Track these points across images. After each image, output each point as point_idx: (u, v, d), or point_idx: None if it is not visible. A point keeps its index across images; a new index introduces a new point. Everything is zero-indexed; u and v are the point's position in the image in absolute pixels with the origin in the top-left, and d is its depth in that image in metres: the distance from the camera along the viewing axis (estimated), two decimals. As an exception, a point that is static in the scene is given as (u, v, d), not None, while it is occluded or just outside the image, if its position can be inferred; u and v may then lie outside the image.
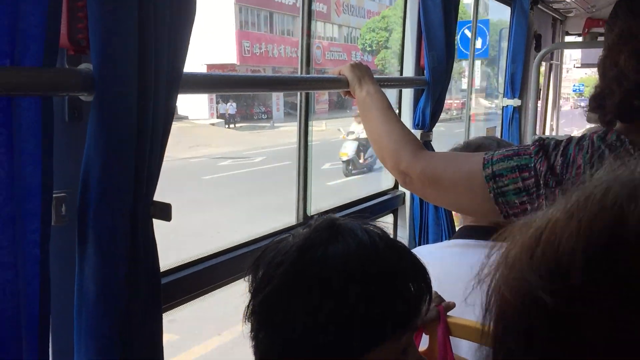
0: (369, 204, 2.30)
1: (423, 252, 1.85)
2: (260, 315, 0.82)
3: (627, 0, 1.12)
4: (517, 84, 3.77)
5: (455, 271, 1.71)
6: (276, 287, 0.80)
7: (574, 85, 26.02)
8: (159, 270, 1.04)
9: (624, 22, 1.09)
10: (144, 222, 0.99)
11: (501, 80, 3.86)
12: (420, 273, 0.85)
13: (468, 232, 1.76)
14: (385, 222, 2.48)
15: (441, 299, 1.60)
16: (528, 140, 3.55)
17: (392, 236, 0.93)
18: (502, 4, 3.75)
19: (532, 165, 1.11)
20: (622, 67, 1.05)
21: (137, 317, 0.97)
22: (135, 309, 0.97)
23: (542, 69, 5.02)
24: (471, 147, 1.78)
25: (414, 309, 0.83)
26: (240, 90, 1.53)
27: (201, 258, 1.40)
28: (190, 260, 1.40)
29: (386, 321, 0.79)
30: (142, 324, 0.98)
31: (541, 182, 1.09)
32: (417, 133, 2.36)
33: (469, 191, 1.21)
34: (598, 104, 1.09)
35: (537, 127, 5.15)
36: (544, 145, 1.13)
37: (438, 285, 1.71)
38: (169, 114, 1.01)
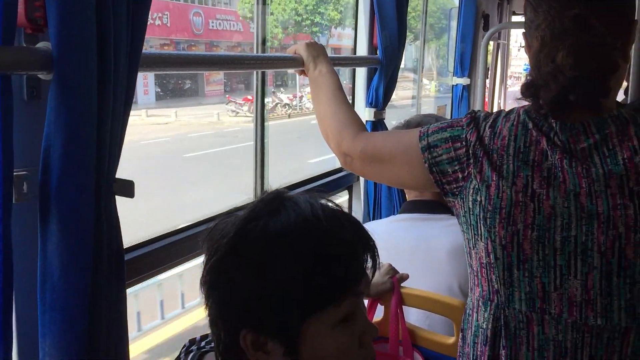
0: (324, 181, 2.35)
1: (372, 227, 1.93)
2: (208, 284, 0.85)
3: None
4: (467, 62, 3.87)
5: (402, 243, 1.79)
6: (220, 257, 0.83)
7: (525, 64, 26.55)
8: (122, 246, 1.06)
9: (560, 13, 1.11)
10: (107, 199, 1.01)
11: (451, 60, 3.94)
12: (363, 241, 0.87)
13: (413, 206, 1.84)
14: (342, 199, 2.54)
15: (395, 271, 1.67)
16: (477, 117, 3.65)
17: (345, 210, 0.95)
18: (451, -16, 3.83)
19: (464, 136, 1.18)
20: (559, 63, 1.08)
21: (102, 292, 0.99)
22: (99, 284, 0.99)
23: (490, 48, 5.15)
24: (411, 124, 1.83)
25: (353, 276, 0.85)
26: (197, 68, 1.53)
27: (162, 235, 1.42)
28: (152, 237, 1.42)
29: (324, 288, 0.82)
30: (106, 298, 1.01)
31: (470, 152, 1.16)
32: (371, 112, 2.42)
33: (407, 164, 1.26)
34: (532, 93, 1.13)
35: (487, 106, 5.29)
36: (475, 118, 1.19)
37: (387, 256, 1.78)
38: (129, 91, 1.02)
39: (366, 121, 2.45)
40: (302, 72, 1.69)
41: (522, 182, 1.11)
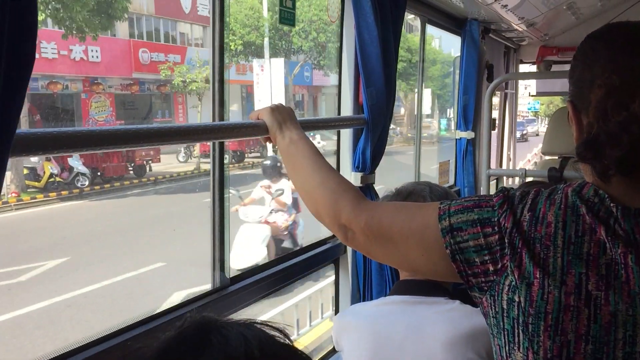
0: (306, 255, 2.08)
1: (357, 309, 1.67)
2: None
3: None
4: (470, 115, 3.64)
5: (390, 331, 1.54)
6: None
7: (528, 103, 26.52)
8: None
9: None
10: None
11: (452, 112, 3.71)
12: None
13: (404, 287, 1.59)
14: (326, 275, 2.27)
15: None
16: (483, 174, 3.40)
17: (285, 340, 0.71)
18: (453, 35, 3.64)
19: (496, 219, 0.97)
20: (635, 111, 0.89)
21: None
22: None
23: (497, 98, 4.93)
24: (402, 194, 1.61)
25: None
26: (135, 145, 1.29)
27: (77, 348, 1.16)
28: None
29: None
30: None
31: (506, 240, 0.95)
32: (358, 176, 2.17)
33: (422, 247, 1.05)
34: (594, 153, 0.93)
35: (494, 159, 5.05)
36: (509, 197, 0.99)
37: (373, 347, 1.53)
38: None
39: (353, 187, 2.21)
40: (268, 140, 1.46)
41: (574, 282, 0.89)
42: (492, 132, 4.11)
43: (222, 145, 1.61)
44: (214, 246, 1.61)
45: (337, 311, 2.29)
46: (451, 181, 3.84)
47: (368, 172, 2.19)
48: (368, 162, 2.16)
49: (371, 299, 2.22)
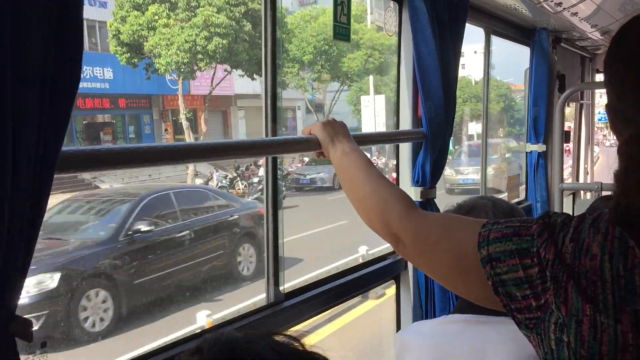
0: (365, 271, 2.06)
1: (417, 329, 1.63)
2: None
3: None
4: (541, 128, 3.51)
5: (452, 352, 1.48)
6: None
7: (598, 113, 24.96)
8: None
9: None
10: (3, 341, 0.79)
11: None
12: None
13: (467, 305, 1.52)
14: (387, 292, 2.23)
15: None
16: (555, 188, 3.26)
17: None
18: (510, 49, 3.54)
19: (535, 249, 0.87)
20: None
21: None
22: None
23: (572, 109, 4.73)
24: (464, 209, 1.55)
25: None
26: (184, 161, 1.33)
27: None
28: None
29: None
30: None
31: (547, 273, 0.85)
32: (418, 191, 2.13)
33: (463, 273, 0.98)
34: None
35: (572, 173, 4.83)
36: (550, 225, 0.88)
37: None
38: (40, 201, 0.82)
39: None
40: (321, 155, 1.47)
41: (631, 319, 0.78)
42: (567, 144, 3.95)
43: (275, 160, 1.63)
44: (267, 261, 1.62)
45: (398, 328, 2.25)
46: (522, 196, 3.70)
47: (428, 187, 2.14)
48: (428, 177, 2.12)
49: (434, 316, 2.16)
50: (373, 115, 20.21)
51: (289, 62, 23.00)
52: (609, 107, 0.96)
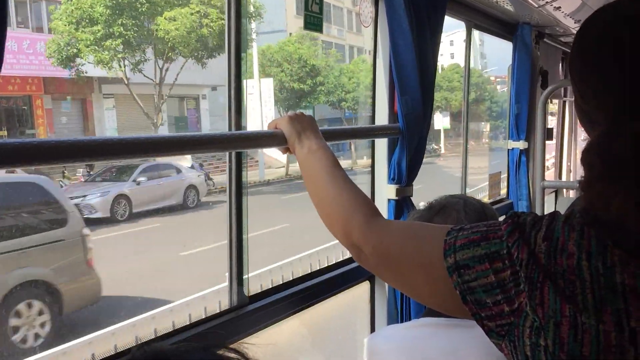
0: (337, 272, 1.98)
1: (389, 333, 1.57)
2: None
3: None
4: (523, 124, 3.46)
5: (424, 357, 1.43)
6: None
7: None
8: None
9: None
10: None
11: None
12: None
13: None
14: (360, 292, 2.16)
15: None
16: (537, 186, 3.21)
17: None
18: (503, 40, 3.48)
19: (506, 252, 0.82)
20: None
21: None
22: None
23: (555, 106, 4.69)
24: (434, 208, 1.49)
25: None
26: (146, 154, 1.24)
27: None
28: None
29: None
30: None
31: (521, 274, 0.80)
32: (393, 189, 2.06)
33: (430, 284, 0.92)
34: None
35: (553, 171, 4.79)
36: (520, 224, 0.83)
37: None
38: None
39: (389, 200, 2.10)
40: (287, 150, 1.39)
41: (613, 318, 0.74)
42: (549, 141, 3.90)
43: (239, 155, 1.54)
44: (230, 260, 1.53)
45: (372, 331, 2.18)
46: (503, 194, 3.65)
47: (404, 184, 2.07)
48: (404, 174, 2.05)
49: (410, 318, 2.10)
50: (260, 105, 15.71)
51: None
52: (576, 106, 0.92)
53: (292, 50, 21.01)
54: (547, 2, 2.84)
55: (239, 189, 1.53)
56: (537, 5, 2.93)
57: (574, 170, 5.14)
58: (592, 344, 0.74)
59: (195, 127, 22.74)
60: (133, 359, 0.62)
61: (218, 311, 1.52)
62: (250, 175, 18.16)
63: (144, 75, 17.19)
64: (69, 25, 15.80)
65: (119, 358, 1.21)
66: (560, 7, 2.93)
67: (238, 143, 1.44)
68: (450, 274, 0.86)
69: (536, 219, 0.83)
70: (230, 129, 1.53)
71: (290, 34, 24.20)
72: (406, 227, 1.11)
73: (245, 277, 1.55)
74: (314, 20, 1.75)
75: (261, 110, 15.57)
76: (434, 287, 0.91)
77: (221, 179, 15.55)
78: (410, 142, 2.01)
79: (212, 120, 23.00)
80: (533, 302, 0.78)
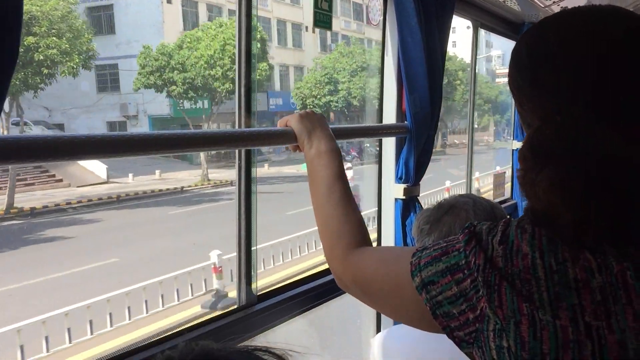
0: (320, 281, 1.96)
1: (398, 333, 1.56)
2: None
3: None
4: (528, 125, 3.44)
5: (434, 357, 1.43)
6: None
7: None
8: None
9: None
10: None
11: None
12: None
13: None
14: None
15: None
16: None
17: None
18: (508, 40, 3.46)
19: (464, 262, 0.85)
20: None
21: None
22: None
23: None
24: (443, 208, 1.48)
25: None
26: (151, 152, 1.23)
27: None
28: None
29: None
30: None
31: (480, 279, 0.82)
32: (400, 188, 2.05)
33: (405, 305, 0.94)
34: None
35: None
36: (476, 233, 0.86)
37: None
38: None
39: (396, 199, 2.09)
40: (297, 148, 1.37)
41: (568, 314, 0.75)
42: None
43: (248, 153, 1.53)
44: (239, 259, 1.52)
45: (378, 329, 2.17)
46: (507, 194, 3.64)
47: (412, 184, 2.06)
48: (412, 173, 2.03)
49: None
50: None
51: None
52: (518, 114, 0.95)
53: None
54: (553, 2, 2.83)
55: (248, 187, 1.52)
56: (543, 5, 2.91)
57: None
58: (550, 340, 0.76)
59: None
60: (180, 355, 0.61)
61: (226, 310, 1.51)
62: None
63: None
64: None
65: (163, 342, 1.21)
66: (566, 7, 2.92)
67: (249, 141, 1.42)
68: (420, 292, 0.88)
69: (491, 227, 0.86)
70: (239, 126, 1.52)
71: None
72: (378, 252, 1.12)
73: (254, 275, 1.54)
74: (323, 18, 1.74)
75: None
76: (410, 307, 0.93)
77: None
78: (418, 141, 2.00)
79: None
80: (493, 305, 0.81)
